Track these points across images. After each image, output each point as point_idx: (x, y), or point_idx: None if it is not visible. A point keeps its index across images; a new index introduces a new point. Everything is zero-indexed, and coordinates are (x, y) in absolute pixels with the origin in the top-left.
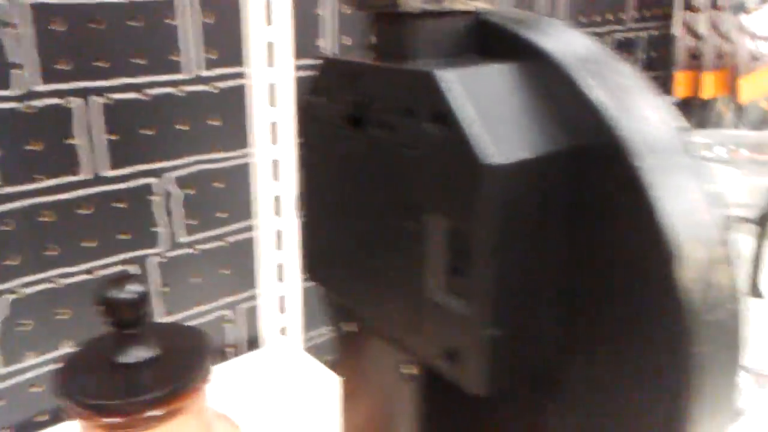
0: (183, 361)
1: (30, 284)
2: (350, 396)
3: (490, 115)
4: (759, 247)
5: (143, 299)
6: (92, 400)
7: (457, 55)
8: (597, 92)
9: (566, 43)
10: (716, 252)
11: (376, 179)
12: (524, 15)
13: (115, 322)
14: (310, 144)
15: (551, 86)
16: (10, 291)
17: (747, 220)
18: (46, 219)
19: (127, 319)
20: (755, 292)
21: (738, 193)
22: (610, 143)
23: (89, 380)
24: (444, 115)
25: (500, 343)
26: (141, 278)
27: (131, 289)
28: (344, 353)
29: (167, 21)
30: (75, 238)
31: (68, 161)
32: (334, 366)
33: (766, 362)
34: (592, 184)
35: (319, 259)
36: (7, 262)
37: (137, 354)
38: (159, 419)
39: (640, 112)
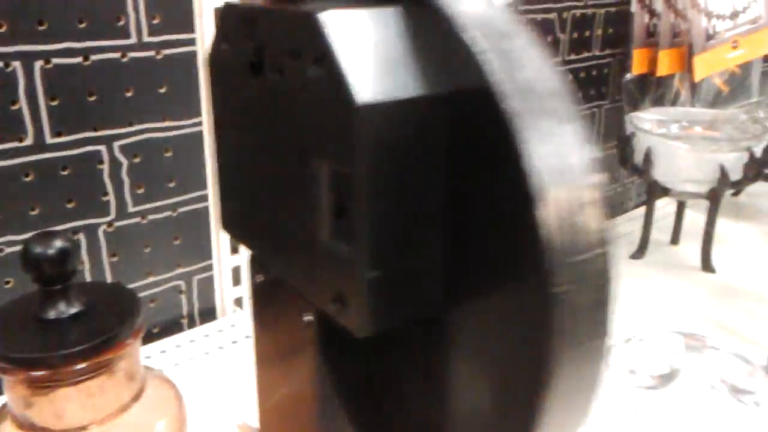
0: (109, 317)
1: None
2: (261, 347)
3: (369, 56)
4: (710, 222)
5: (67, 255)
6: (14, 354)
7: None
8: (472, 35)
9: None
10: (583, 195)
11: (275, 127)
12: None
13: (39, 278)
14: (217, 93)
15: (433, 30)
16: None
17: (698, 195)
18: None
19: (51, 275)
20: (708, 266)
21: (690, 169)
22: (482, 86)
23: (12, 335)
24: (323, 56)
25: (383, 285)
26: (67, 236)
27: (55, 245)
28: (256, 304)
29: None
30: (21, 206)
31: (10, 127)
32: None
33: (699, 327)
34: (467, 127)
35: (233, 210)
36: None
37: (62, 309)
38: (85, 373)
39: (515, 58)
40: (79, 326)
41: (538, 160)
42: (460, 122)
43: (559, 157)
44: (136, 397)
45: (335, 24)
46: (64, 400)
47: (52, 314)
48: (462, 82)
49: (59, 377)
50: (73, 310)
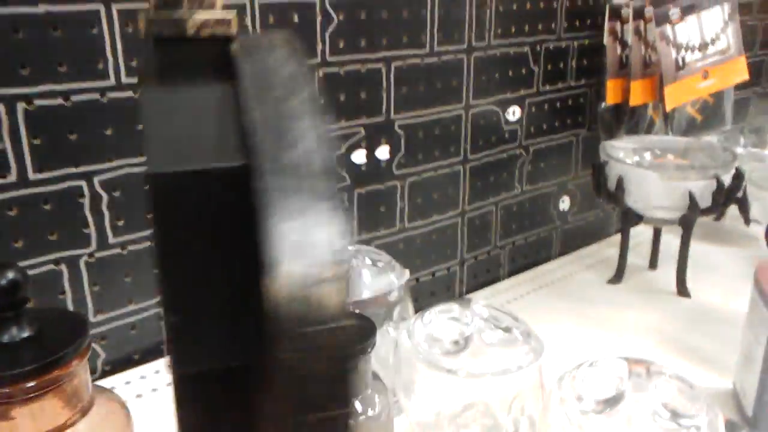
0: (58, 340)
1: None
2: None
3: (177, 131)
4: (683, 247)
5: (17, 285)
6: None
7: (205, 77)
8: (254, 117)
9: (262, 68)
10: (321, 271)
11: None
12: (265, 41)
13: None
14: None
15: (236, 108)
16: None
17: (671, 222)
18: None
19: (3, 302)
20: (683, 291)
21: (660, 197)
22: (250, 163)
23: None
24: (142, 128)
25: (180, 333)
26: (18, 267)
27: (6, 276)
28: None
29: (91, 30)
30: (5, 239)
31: None
32: None
33: (663, 351)
34: (243, 199)
35: None
36: None
37: (14, 333)
38: (35, 390)
39: (289, 139)
40: (30, 348)
41: (280, 235)
42: (241, 194)
43: (302, 234)
44: (84, 413)
45: (153, 100)
46: (17, 414)
47: (5, 338)
48: (241, 158)
49: (12, 394)
50: (25, 334)
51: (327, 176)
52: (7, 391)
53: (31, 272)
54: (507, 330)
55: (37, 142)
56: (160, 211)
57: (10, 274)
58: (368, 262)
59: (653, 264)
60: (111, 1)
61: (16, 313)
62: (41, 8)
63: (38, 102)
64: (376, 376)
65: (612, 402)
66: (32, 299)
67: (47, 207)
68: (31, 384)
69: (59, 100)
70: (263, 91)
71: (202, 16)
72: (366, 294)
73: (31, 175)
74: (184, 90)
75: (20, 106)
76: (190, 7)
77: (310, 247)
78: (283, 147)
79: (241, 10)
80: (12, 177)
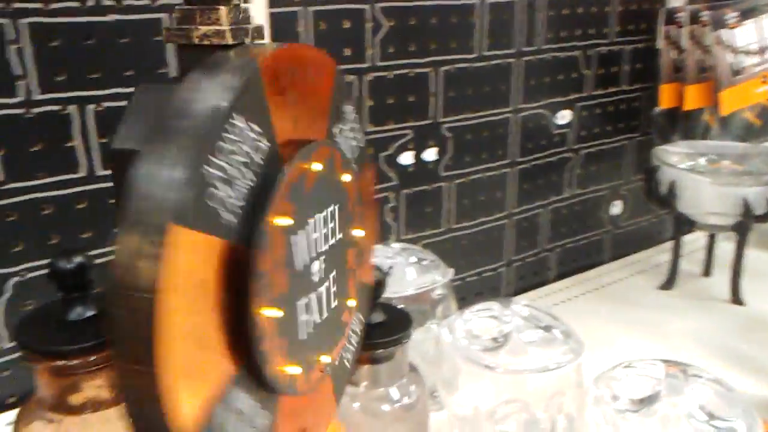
0: None
1: (33, 269)
2: None
3: (147, 117)
4: (738, 254)
5: (84, 269)
6: (41, 348)
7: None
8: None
9: (207, 70)
10: (147, 248)
11: None
12: (243, 51)
13: (62, 287)
14: None
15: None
16: (15, 274)
17: (724, 228)
18: (47, 212)
19: (72, 284)
20: (736, 299)
21: (713, 202)
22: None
23: (40, 333)
24: None
25: None
26: (85, 254)
27: (74, 261)
28: None
29: (155, 38)
30: (74, 229)
31: (66, 161)
32: None
33: (708, 358)
34: None
35: None
36: (12, 249)
37: (80, 312)
38: (97, 364)
39: (170, 127)
40: (93, 326)
41: (127, 209)
42: None
43: (147, 214)
44: None
45: (137, 95)
46: (84, 386)
47: (72, 316)
48: None
49: (78, 366)
50: (89, 313)
51: (188, 167)
52: (74, 363)
53: (97, 261)
54: (547, 329)
55: (104, 140)
56: (114, 173)
57: (77, 259)
58: (413, 260)
59: (707, 271)
60: (173, 11)
61: (82, 294)
62: (110, 17)
63: (106, 104)
64: (413, 368)
65: (647, 402)
66: (99, 287)
67: (113, 201)
68: (93, 357)
69: (125, 102)
70: (195, 86)
71: (203, 28)
72: (410, 290)
73: (99, 171)
74: (162, 87)
75: (90, 108)
76: (200, 23)
77: (148, 226)
78: (160, 132)
79: (292, 17)
80: (82, 173)
